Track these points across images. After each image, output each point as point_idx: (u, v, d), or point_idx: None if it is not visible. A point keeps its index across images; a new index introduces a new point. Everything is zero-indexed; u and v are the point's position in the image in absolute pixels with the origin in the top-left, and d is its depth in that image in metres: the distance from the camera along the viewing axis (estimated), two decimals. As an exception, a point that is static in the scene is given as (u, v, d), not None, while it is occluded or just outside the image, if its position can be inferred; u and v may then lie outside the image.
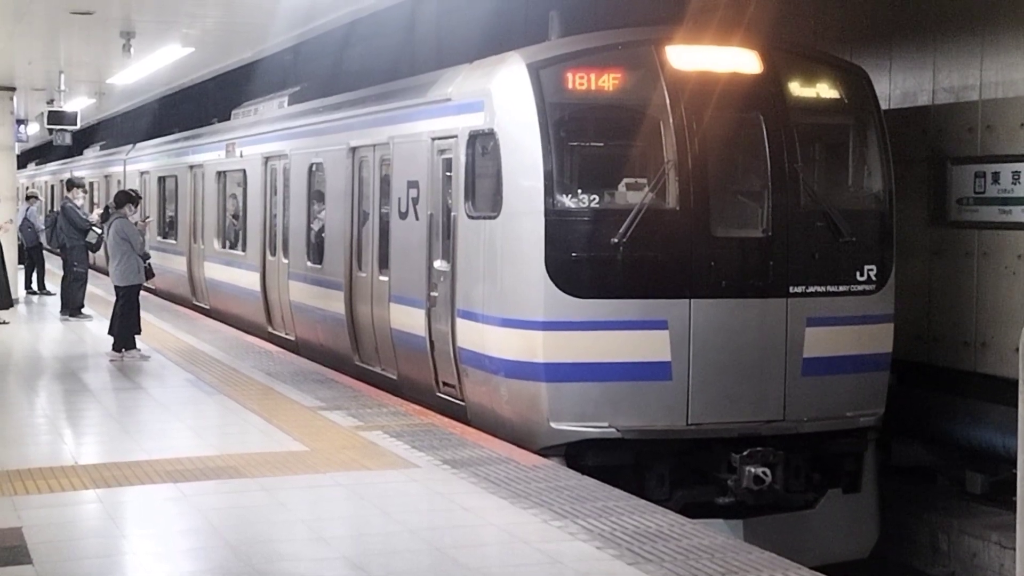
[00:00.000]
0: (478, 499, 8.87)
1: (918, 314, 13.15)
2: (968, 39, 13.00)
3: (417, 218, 12.66)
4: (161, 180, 26.43)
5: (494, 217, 10.99)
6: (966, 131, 12.93)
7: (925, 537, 12.24)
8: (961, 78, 13.10)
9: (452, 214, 11.80)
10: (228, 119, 22.98)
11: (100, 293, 22.32)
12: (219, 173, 21.39)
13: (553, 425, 10.49)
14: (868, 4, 14.35)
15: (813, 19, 14.85)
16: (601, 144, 11.59)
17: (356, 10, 15.27)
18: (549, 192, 10.48)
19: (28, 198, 28.18)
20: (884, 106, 12.16)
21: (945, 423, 12.79)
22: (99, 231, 19.61)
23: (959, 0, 13.18)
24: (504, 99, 11.03)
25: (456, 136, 11.74)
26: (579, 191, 10.65)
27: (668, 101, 10.68)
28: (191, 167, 23.32)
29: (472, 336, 11.35)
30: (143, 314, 16.49)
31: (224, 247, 21.03)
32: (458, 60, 13.13)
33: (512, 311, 10.76)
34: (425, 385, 12.51)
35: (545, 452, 10.42)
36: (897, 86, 13.85)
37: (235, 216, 20.69)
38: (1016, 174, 12.36)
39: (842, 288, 11.10)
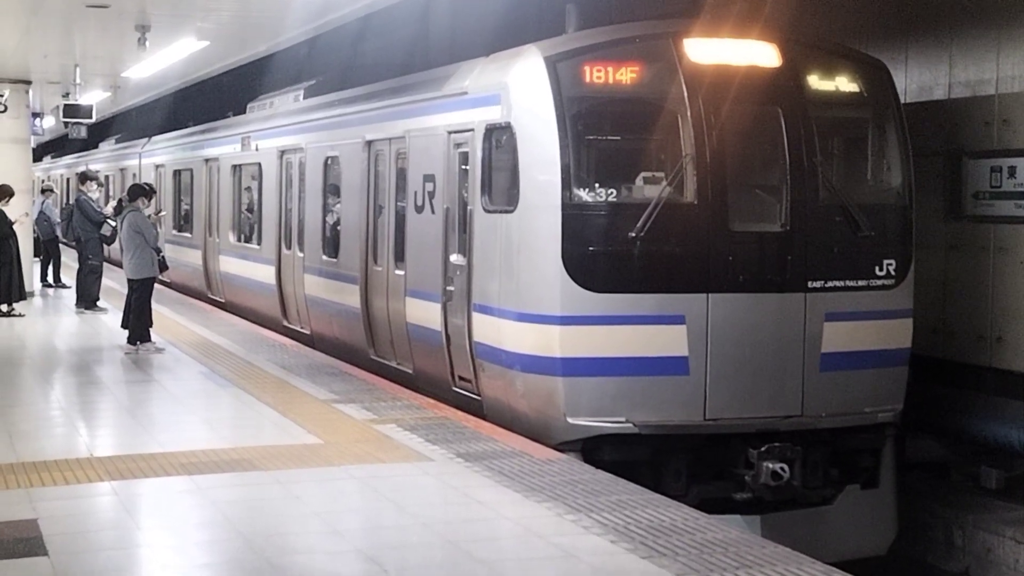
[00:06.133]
0: (492, 493, 8.86)
1: (933, 308, 13.09)
2: (985, 32, 12.94)
3: (433, 212, 12.63)
4: (176, 173, 26.46)
5: (511, 211, 10.96)
6: (982, 125, 12.87)
7: (940, 532, 12.19)
8: (978, 72, 13.04)
9: (468, 208, 11.77)
10: (243, 113, 22.98)
11: (115, 286, 22.34)
12: (234, 167, 21.39)
13: (570, 420, 10.46)
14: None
15: (830, 12, 14.78)
16: (618, 138, 11.56)
17: (371, 3, 15.25)
18: (566, 186, 10.45)
19: (44, 191, 28.28)
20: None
21: (960, 418, 12.74)
22: (113, 224, 19.61)
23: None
24: (521, 92, 11.00)
25: (472, 130, 11.70)
26: (596, 185, 10.62)
27: (686, 94, 10.63)
28: (206, 160, 23.33)
29: (488, 330, 11.32)
30: (158, 307, 16.51)
31: (239, 241, 21.02)
32: (474, 53, 13.09)
33: (529, 305, 10.73)
34: (441, 379, 12.49)
35: (562, 447, 10.39)
36: (913, 80, 13.79)
37: (250, 210, 20.69)
38: (1033, 169, 12.31)
39: (861, 283, 11.04)
